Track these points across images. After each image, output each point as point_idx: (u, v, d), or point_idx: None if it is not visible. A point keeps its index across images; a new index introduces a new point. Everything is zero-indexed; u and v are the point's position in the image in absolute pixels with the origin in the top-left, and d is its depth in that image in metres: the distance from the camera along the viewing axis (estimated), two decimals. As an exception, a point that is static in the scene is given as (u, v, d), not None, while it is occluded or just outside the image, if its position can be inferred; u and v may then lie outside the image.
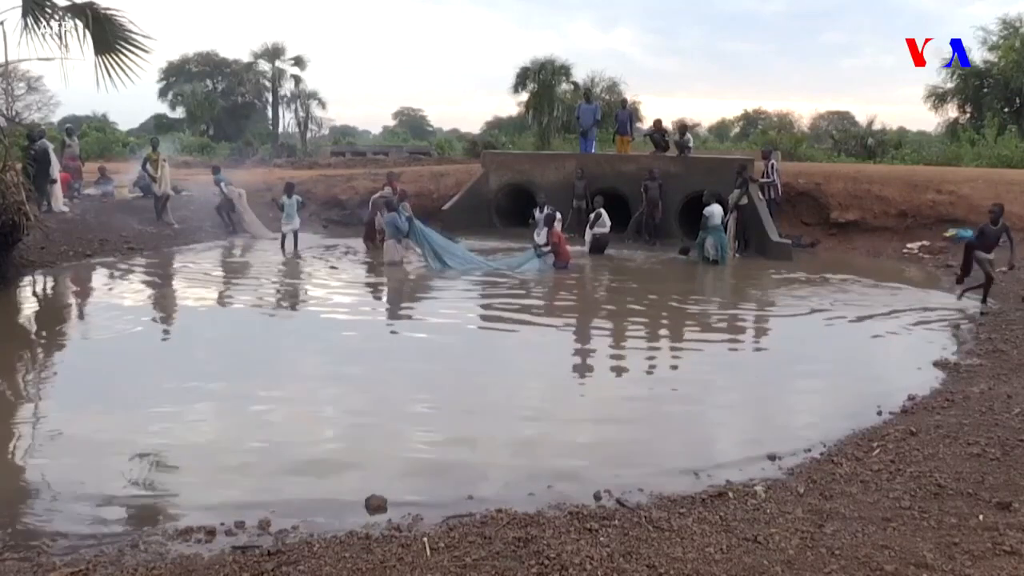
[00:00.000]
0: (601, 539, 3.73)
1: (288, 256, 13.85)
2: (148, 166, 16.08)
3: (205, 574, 3.48)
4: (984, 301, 9.80)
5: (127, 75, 9.74)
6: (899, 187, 16.00)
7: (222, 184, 16.07)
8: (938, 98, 30.63)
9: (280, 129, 46.79)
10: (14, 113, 13.78)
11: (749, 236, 14.63)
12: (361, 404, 6.19)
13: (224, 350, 7.99)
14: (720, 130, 57.72)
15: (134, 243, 14.03)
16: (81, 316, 9.68)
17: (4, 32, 9.51)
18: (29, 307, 10.24)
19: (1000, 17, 28.97)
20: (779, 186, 15.50)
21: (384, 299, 11.19)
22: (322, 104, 46.28)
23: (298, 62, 44.66)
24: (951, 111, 30.69)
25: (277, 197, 14.78)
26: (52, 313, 9.95)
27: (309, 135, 47.07)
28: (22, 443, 5.41)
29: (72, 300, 10.75)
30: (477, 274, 12.17)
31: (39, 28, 9.47)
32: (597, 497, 4.39)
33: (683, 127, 19.69)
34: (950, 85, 30.27)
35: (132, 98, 32.03)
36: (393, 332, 9.01)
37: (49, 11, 9.55)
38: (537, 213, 14.03)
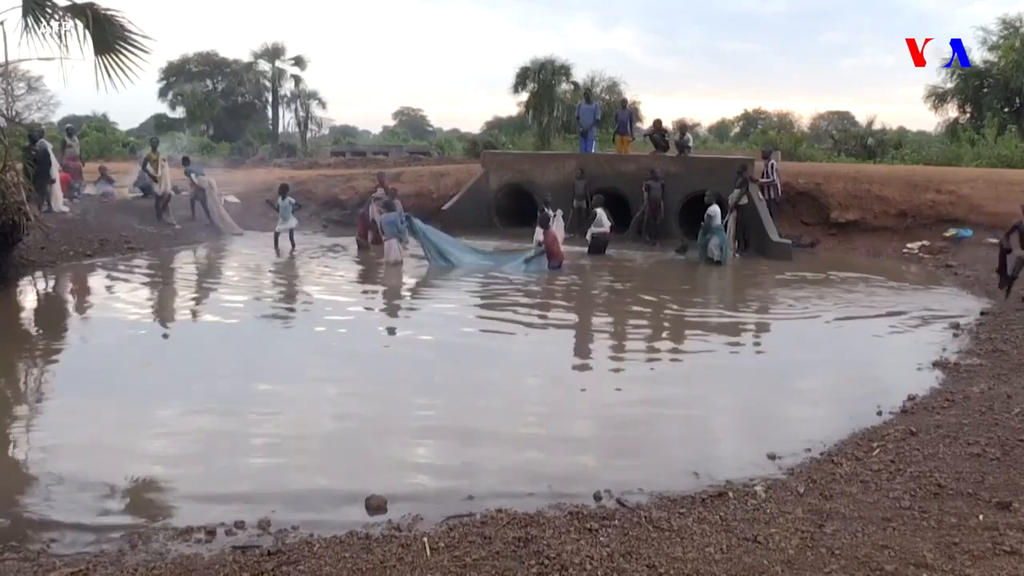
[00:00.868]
0: (601, 539, 3.72)
1: (283, 256, 13.87)
2: (149, 166, 16.09)
3: (205, 574, 3.48)
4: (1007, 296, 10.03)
5: (127, 75, 9.75)
6: (899, 187, 15.99)
7: (192, 175, 16.15)
8: (938, 98, 30.62)
9: (280, 129, 46.82)
10: (14, 113, 13.77)
11: (749, 236, 14.62)
12: (361, 404, 6.19)
13: (224, 350, 7.98)
14: (720, 130, 57.72)
15: (134, 243, 14.04)
16: (81, 316, 9.68)
17: (4, 32, 9.54)
18: (29, 307, 10.24)
19: (1000, 17, 28.99)
20: (779, 186, 15.49)
21: (383, 299, 11.19)
22: (322, 104, 46.37)
23: (298, 62, 44.70)
24: (951, 111, 30.72)
25: (273, 199, 14.79)
26: (52, 313, 9.96)
27: (309, 135, 47.09)
28: (22, 443, 5.41)
29: (72, 300, 10.76)
30: (475, 273, 12.19)
31: (39, 28, 9.47)
32: (597, 497, 4.39)
33: (683, 127, 19.74)
34: (950, 85, 30.26)
35: (132, 98, 32.02)
36: (392, 332, 9.01)
37: (49, 11, 9.55)
38: (546, 210, 14.08)
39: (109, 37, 9.64)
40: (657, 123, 18.45)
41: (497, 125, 46.04)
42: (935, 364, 7.23)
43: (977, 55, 29.25)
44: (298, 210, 14.77)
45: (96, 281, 11.52)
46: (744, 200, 14.42)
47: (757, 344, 8.92)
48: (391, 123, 72.57)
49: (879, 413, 5.83)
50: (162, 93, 46.59)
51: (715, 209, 13.37)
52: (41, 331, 8.92)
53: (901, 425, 5.39)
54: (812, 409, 6.29)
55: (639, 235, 15.79)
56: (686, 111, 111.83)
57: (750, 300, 11.20)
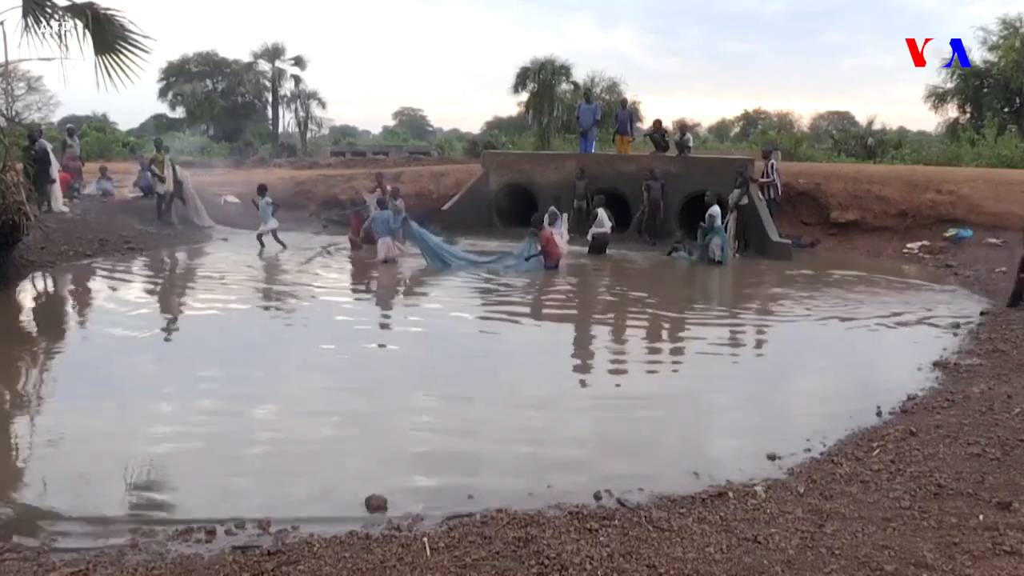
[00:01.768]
0: (601, 539, 3.72)
1: (266, 257, 13.76)
2: (154, 167, 16.10)
3: (205, 574, 3.48)
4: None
5: (127, 75, 9.74)
6: (899, 187, 15.99)
7: (176, 167, 16.17)
8: (938, 98, 30.64)
9: (280, 129, 46.83)
10: (14, 113, 13.77)
11: (749, 236, 14.63)
12: (360, 404, 6.19)
13: (223, 350, 7.98)
14: (720, 130, 57.76)
15: (134, 243, 14.03)
16: (81, 317, 9.67)
17: (4, 32, 9.54)
18: (29, 307, 10.23)
19: (1000, 17, 29.03)
20: (779, 186, 15.49)
21: (380, 298, 11.19)
22: (322, 104, 46.37)
23: (298, 62, 44.70)
24: (951, 111, 30.75)
25: (256, 199, 14.76)
26: (52, 313, 9.95)
27: (309, 135, 47.08)
28: (22, 443, 5.42)
29: (72, 300, 10.75)
30: (471, 273, 12.19)
31: (39, 28, 9.46)
32: (597, 497, 4.38)
33: (683, 127, 19.75)
34: (950, 85, 30.28)
35: (132, 98, 32.06)
36: (390, 332, 9.01)
37: (49, 11, 9.55)
38: (554, 209, 14.11)
39: (109, 37, 9.63)
40: (657, 123, 18.46)
41: (497, 125, 46.09)
42: (935, 364, 7.22)
43: (977, 55, 29.34)
44: (276, 211, 14.67)
45: (96, 281, 11.51)
46: (744, 200, 14.43)
47: (757, 344, 8.92)
48: (391, 123, 72.64)
49: (879, 413, 5.83)
50: (162, 93, 46.68)
51: (716, 210, 13.38)
52: (41, 331, 8.91)
53: (901, 425, 5.39)
54: (812, 409, 6.28)
55: (639, 235, 15.81)
56: (686, 111, 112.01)
57: (750, 300, 11.19)
